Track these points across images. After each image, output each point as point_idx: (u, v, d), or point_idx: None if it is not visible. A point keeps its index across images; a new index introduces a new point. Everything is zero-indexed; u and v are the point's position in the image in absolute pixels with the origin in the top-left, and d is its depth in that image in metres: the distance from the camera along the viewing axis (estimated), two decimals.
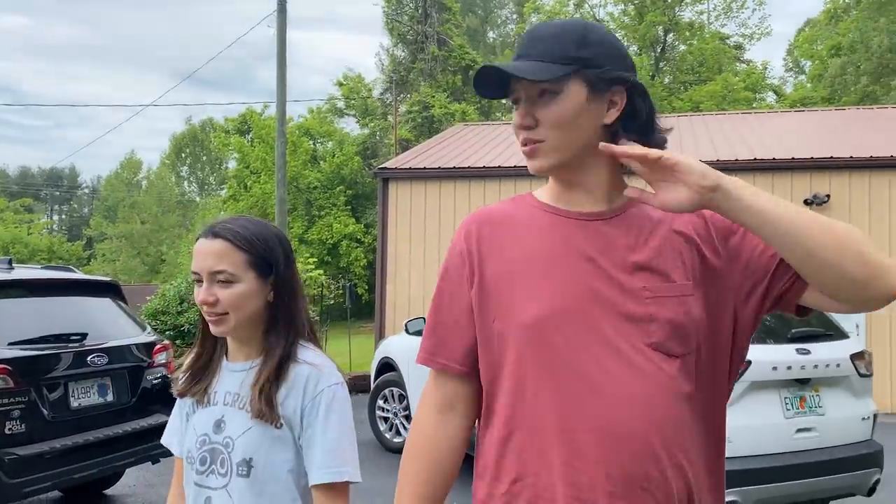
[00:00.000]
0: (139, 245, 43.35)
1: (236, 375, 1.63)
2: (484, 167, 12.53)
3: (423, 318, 7.00)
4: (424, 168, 12.91)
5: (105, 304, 5.34)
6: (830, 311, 1.23)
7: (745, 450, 4.17)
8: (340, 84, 31.47)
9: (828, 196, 11.03)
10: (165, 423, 1.82)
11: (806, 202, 11.06)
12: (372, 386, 7.61)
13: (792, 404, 4.44)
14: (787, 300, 1.27)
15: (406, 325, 7.17)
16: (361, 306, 22.23)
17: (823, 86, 28.08)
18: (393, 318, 12.31)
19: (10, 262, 5.07)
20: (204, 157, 54.92)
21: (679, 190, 1.17)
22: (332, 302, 21.46)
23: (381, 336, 12.02)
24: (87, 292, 5.29)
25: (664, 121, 1.35)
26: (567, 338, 1.24)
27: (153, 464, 5.19)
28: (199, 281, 1.59)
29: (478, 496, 1.33)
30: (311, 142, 26.54)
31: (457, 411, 1.37)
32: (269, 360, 1.59)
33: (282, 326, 1.61)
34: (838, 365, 4.62)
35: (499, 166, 12.36)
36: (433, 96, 26.77)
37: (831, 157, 11.16)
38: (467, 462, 1.35)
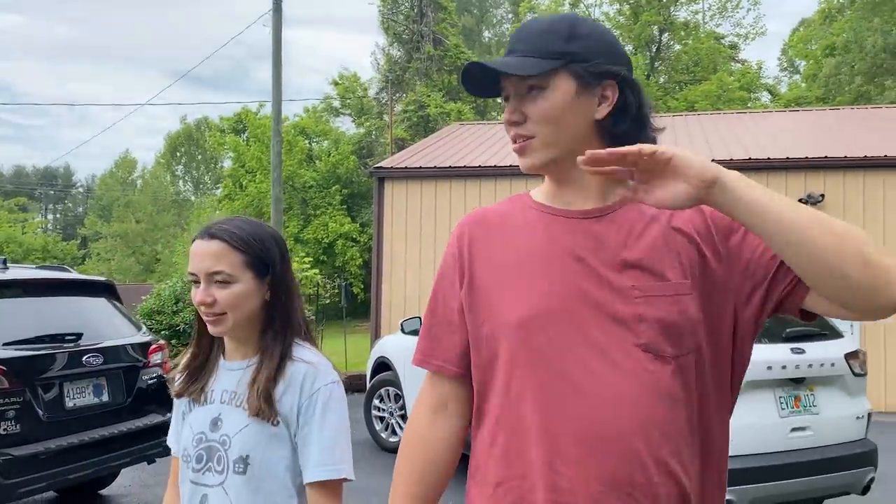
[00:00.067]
0: (134, 244, 43.27)
1: (233, 374, 1.65)
2: (480, 166, 12.54)
3: (419, 318, 7.01)
4: (420, 167, 12.91)
5: (100, 303, 5.33)
6: (836, 317, 1.18)
7: (740, 449, 4.18)
8: (336, 83, 31.45)
9: (822, 196, 11.07)
10: (161, 423, 1.84)
11: (800, 202, 11.04)
12: (368, 385, 7.61)
13: (787, 403, 4.46)
14: (789, 305, 1.21)
15: (402, 325, 7.17)
16: (357, 305, 22.22)
17: (818, 85, 28.15)
18: (389, 318, 12.31)
19: (4, 261, 5.06)
20: (199, 157, 54.83)
21: (676, 186, 1.10)
22: (327, 301, 21.46)
23: (376, 335, 12.02)
24: (82, 292, 5.28)
25: (658, 120, 1.33)
26: (552, 338, 1.23)
27: (149, 464, 5.18)
28: (197, 282, 1.60)
29: (469, 496, 1.33)
30: (306, 141, 26.51)
31: (451, 412, 1.38)
32: (267, 359, 1.61)
33: (279, 325, 1.63)
34: (833, 364, 4.64)
35: (494, 166, 12.36)
36: (429, 96, 26.76)
37: (826, 157, 11.19)
38: (465, 462, 1.36)
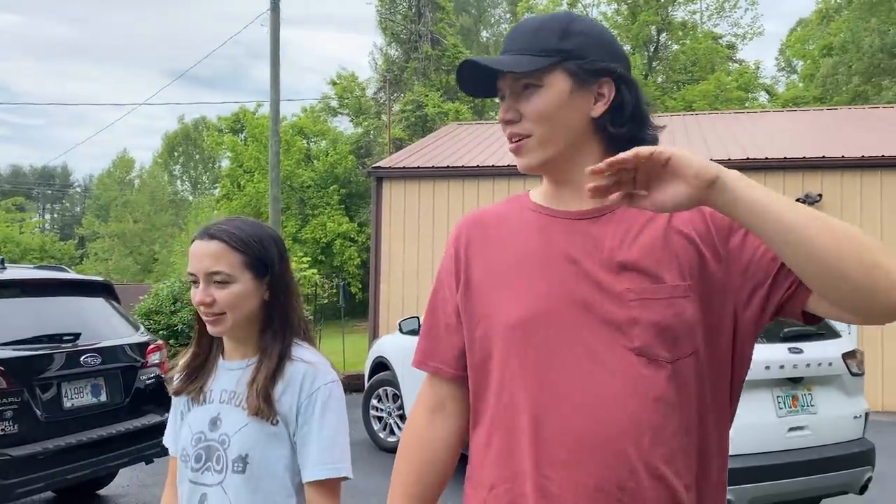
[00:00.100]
0: (132, 244, 43.23)
1: (232, 374, 1.66)
2: (478, 166, 12.54)
3: (417, 318, 7.01)
4: (418, 167, 12.91)
5: (98, 303, 5.33)
6: (838, 320, 1.15)
7: (738, 448, 4.19)
8: (334, 83, 31.44)
9: (820, 195, 11.09)
10: (159, 423, 1.85)
11: (798, 201, 11.08)
12: (366, 385, 7.61)
13: (784, 403, 4.47)
14: (791, 308, 1.18)
15: (400, 325, 7.16)
16: (355, 305, 22.21)
17: (815, 85, 28.18)
18: (387, 318, 12.31)
19: (2, 261, 5.06)
20: (197, 156, 54.79)
21: (676, 187, 1.06)
22: (325, 301, 21.45)
23: (374, 335, 12.02)
24: (80, 292, 5.27)
25: (657, 120, 1.32)
26: (544, 342, 1.22)
27: (147, 464, 5.18)
28: (196, 282, 1.61)
29: (466, 497, 1.34)
30: (304, 141, 26.49)
31: (449, 412, 1.38)
32: (266, 359, 1.62)
33: (278, 325, 1.64)
34: (830, 364, 4.64)
35: (492, 165, 12.37)
36: (427, 95, 26.76)
37: (823, 157, 11.21)
38: (464, 462, 1.36)
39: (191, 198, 52.72)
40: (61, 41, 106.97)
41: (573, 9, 29.78)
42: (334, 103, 32.15)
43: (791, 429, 4.43)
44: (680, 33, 30.83)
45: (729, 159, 11.57)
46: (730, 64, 31.86)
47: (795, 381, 4.53)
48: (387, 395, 7.30)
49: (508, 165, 12.04)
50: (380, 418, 7.37)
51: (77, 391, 4.68)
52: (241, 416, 1.59)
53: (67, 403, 4.59)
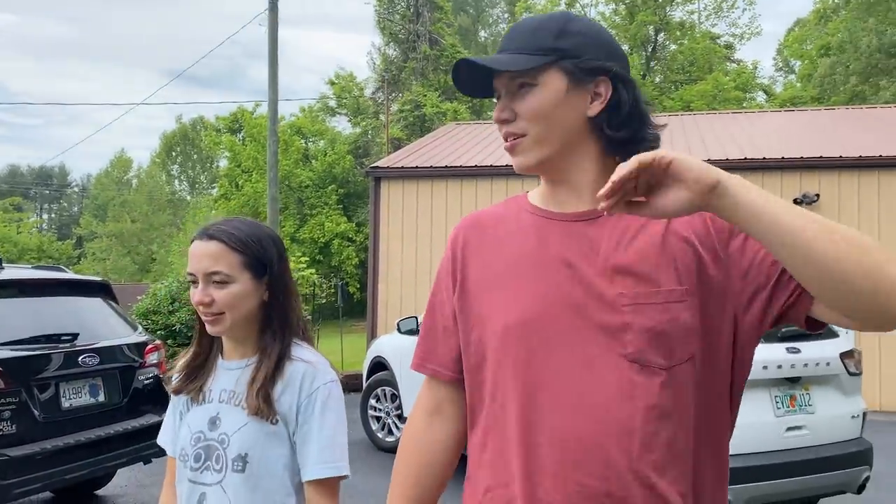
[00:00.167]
0: (129, 244, 43.18)
1: (232, 373, 1.67)
2: (476, 166, 12.55)
3: (416, 318, 7.01)
4: (416, 167, 12.91)
5: (96, 304, 5.32)
6: (846, 327, 1.12)
7: (736, 448, 4.18)
8: (332, 83, 31.42)
9: (817, 195, 11.10)
10: (157, 423, 1.85)
11: (796, 201, 11.12)
12: (364, 385, 7.61)
13: (782, 403, 4.48)
14: (794, 314, 1.16)
15: (398, 325, 7.16)
16: (353, 305, 22.20)
17: (813, 85, 28.22)
18: (385, 317, 12.31)
19: (0, 261, 5.05)
20: (195, 156, 54.72)
21: (677, 192, 1.04)
22: (323, 301, 21.45)
23: (373, 335, 12.02)
24: (78, 292, 5.27)
25: (656, 119, 1.29)
26: (536, 347, 1.21)
27: (145, 464, 5.18)
28: (195, 282, 1.62)
29: (464, 499, 1.34)
30: (302, 141, 26.48)
31: (446, 415, 1.38)
32: (266, 359, 1.62)
33: (276, 325, 1.65)
34: (828, 363, 4.65)
35: (490, 165, 12.37)
36: (425, 95, 26.76)
37: (821, 157, 11.23)
38: (465, 463, 1.37)
39: (189, 198, 52.66)
40: (59, 41, 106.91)
41: (571, 9, 29.80)
42: (332, 103, 32.15)
43: (789, 428, 4.44)
44: (678, 33, 30.86)
45: (727, 159, 11.59)
46: (727, 64, 31.89)
47: (793, 381, 4.54)
48: (385, 394, 7.30)
49: (507, 165, 12.04)
50: (378, 418, 7.37)
51: (75, 391, 4.68)
52: (241, 415, 1.60)
53: (65, 403, 4.59)
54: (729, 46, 32.73)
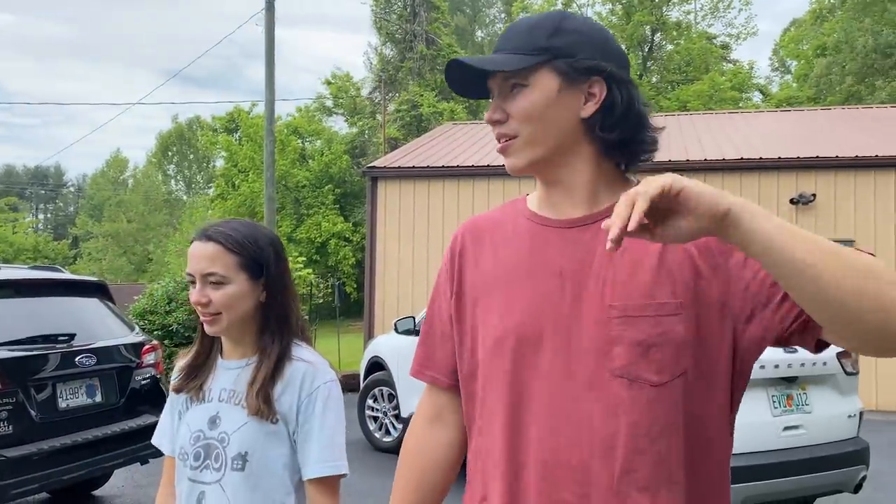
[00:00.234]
0: (125, 244, 43.12)
1: (231, 373, 1.68)
2: (472, 166, 12.55)
3: (413, 318, 7.01)
4: (413, 167, 12.92)
5: (93, 304, 5.31)
6: (854, 352, 1.07)
7: (733, 448, 4.20)
8: (329, 83, 31.39)
9: (814, 195, 11.13)
10: (154, 423, 1.86)
11: (792, 201, 11.16)
12: (361, 385, 7.61)
13: (779, 402, 4.49)
14: (800, 341, 1.11)
15: (395, 325, 7.17)
16: (350, 305, 22.20)
17: (809, 86, 28.28)
18: (382, 317, 12.31)
19: None
20: (191, 156, 54.66)
21: (685, 220, 0.98)
22: (320, 301, 21.42)
23: (370, 335, 12.02)
24: (75, 292, 5.26)
25: (654, 120, 1.26)
26: (523, 358, 1.19)
27: (142, 464, 5.17)
28: (194, 282, 1.64)
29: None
30: (299, 140, 26.47)
31: (446, 422, 1.38)
32: (265, 359, 1.64)
33: (275, 325, 1.66)
34: (825, 363, 4.66)
35: (487, 165, 12.38)
36: (421, 95, 26.76)
37: (817, 157, 11.25)
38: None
39: (185, 197, 52.61)
40: (55, 41, 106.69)
41: (568, 9, 29.83)
42: (329, 103, 32.12)
43: (786, 428, 4.45)
44: (674, 33, 30.91)
45: (723, 159, 11.61)
46: (724, 64, 31.94)
47: (790, 381, 4.55)
48: (382, 395, 7.31)
49: (503, 165, 12.02)
50: (375, 418, 7.38)
51: (72, 392, 4.67)
52: (241, 414, 1.62)
53: (62, 404, 4.58)
54: (725, 46, 32.79)
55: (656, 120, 1.26)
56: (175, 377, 1.74)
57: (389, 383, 7.14)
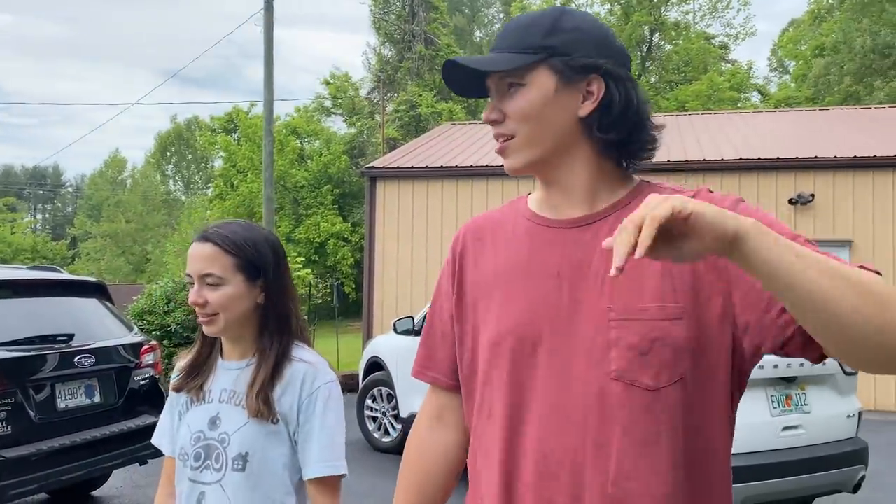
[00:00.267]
0: (124, 244, 43.08)
1: (231, 373, 1.69)
2: (471, 166, 12.55)
3: (412, 318, 7.01)
4: (412, 167, 12.92)
5: (92, 304, 5.31)
6: (861, 371, 1.06)
7: (732, 448, 4.20)
8: (327, 83, 31.40)
9: (812, 195, 11.14)
10: (153, 424, 1.86)
11: (790, 201, 11.17)
12: (360, 385, 7.61)
13: (778, 402, 4.49)
14: (803, 351, 1.09)
15: (394, 325, 7.17)
16: (349, 305, 22.19)
17: (807, 86, 28.31)
18: (381, 318, 12.31)
19: None
20: (189, 156, 54.61)
21: (692, 242, 0.94)
22: (319, 301, 21.43)
23: (369, 335, 12.02)
24: (73, 293, 5.25)
25: (655, 119, 1.24)
26: (521, 359, 1.18)
27: (141, 465, 5.17)
28: (192, 283, 1.65)
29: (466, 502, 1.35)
30: (298, 141, 26.46)
31: (447, 422, 1.37)
32: (265, 360, 1.65)
33: (274, 327, 1.67)
34: (823, 363, 4.65)
35: (486, 165, 12.38)
36: (420, 95, 26.76)
37: (815, 157, 11.26)
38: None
39: (183, 198, 52.56)
40: (54, 41, 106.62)
41: None
42: (328, 103, 32.13)
43: (785, 428, 4.45)
44: (673, 33, 30.93)
45: (722, 159, 11.62)
46: (722, 64, 31.98)
47: (789, 381, 4.55)
48: (381, 395, 7.31)
49: (502, 165, 12.03)
50: (374, 418, 7.37)
51: (71, 392, 4.66)
52: (241, 415, 1.62)
53: (61, 404, 4.58)
54: (724, 47, 32.83)
55: (656, 120, 1.25)
56: (175, 376, 1.74)
57: (388, 383, 7.14)
